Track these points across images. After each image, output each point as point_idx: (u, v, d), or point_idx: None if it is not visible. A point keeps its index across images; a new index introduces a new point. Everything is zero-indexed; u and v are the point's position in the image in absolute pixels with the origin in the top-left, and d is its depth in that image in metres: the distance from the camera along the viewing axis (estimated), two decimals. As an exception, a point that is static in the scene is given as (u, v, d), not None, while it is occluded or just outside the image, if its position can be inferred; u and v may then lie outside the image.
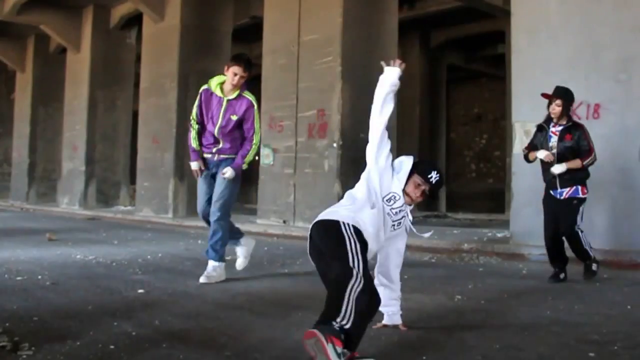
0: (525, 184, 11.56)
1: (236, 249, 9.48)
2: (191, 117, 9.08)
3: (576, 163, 8.98)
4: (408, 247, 6.01)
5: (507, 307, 7.10)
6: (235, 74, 8.64)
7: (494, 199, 28.02)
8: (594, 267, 9.15)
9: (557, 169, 8.96)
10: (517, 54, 12.54)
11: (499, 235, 13.89)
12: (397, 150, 17.66)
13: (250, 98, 8.92)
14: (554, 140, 9.09)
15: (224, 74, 8.84)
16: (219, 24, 22.45)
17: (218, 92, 8.82)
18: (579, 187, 9.05)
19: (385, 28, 17.35)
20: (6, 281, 8.32)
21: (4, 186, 36.14)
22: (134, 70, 27.22)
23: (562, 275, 9.06)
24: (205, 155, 9.00)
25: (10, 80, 36.46)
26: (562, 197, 9.08)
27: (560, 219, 9.12)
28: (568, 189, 9.05)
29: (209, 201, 8.92)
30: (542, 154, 9.09)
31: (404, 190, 5.51)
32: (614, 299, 7.57)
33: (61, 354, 4.82)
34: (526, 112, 11.48)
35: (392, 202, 5.47)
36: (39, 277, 8.67)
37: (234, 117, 8.76)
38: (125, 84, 27.24)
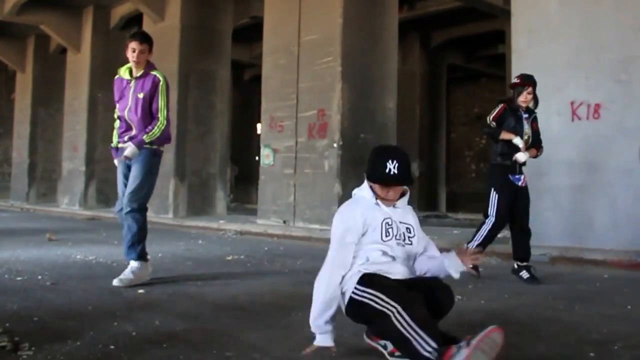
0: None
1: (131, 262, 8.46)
2: (115, 112, 8.84)
3: (532, 153, 9.15)
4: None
5: (507, 307, 7.10)
6: (134, 50, 8.30)
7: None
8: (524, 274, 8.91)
9: (523, 157, 8.99)
10: (517, 54, 12.55)
11: (498, 235, 13.88)
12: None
13: (157, 74, 8.51)
14: (527, 128, 9.12)
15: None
16: (219, 24, 22.46)
17: (126, 76, 8.53)
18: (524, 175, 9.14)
19: (386, 28, 17.37)
20: (6, 281, 8.31)
21: (4, 186, 36.23)
22: (134, 70, 27.23)
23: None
24: (121, 146, 8.60)
25: (10, 81, 36.55)
26: (519, 184, 9.11)
27: (520, 209, 9.17)
28: (523, 176, 9.12)
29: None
30: (519, 142, 9.00)
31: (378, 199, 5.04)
32: (614, 299, 7.57)
33: (61, 354, 4.81)
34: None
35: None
36: (39, 277, 8.65)
37: (141, 95, 8.38)
38: (125, 84, 27.21)
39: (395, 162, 4.83)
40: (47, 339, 5.19)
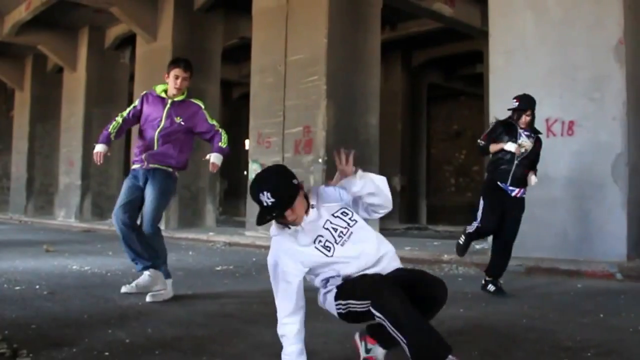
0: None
1: (145, 272, 8.25)
2: (120, 114, 8.46)
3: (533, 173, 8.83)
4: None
5: (484, 315, 7.10)
6: (177, 77, 8.09)
7: (473, 212, 28.11)
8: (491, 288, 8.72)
9: (534, 181, 8.74)
10: (494, 73, 12.58)
11: (477, 247, 13.86)
12: (380, 166, 17.74)
13: (198, 102, 8.35)
14: (524, 140, 8.77)
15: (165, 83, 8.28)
16: (209, 44, 22.48)
17: (163, 95, 8.22)
18: (524, 189, 8.83)
19: (369, 48, 17.41)
20: (5, 291, 8.29)
21: (3, 200, 36.11)
22: (128, 88, 27.24)
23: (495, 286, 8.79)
24: (135, 167, 8.32)
25: (9, 99, 36.51)
26: (513, 195, 8.79)
27: (507, 222, 8.88)
28: (519, 189, 8.79)
29: (124, 207, 8.12)
30: (511, 147, 8.67)
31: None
32: (587, 308, 7.58)
33: (58, 361, 4.80)
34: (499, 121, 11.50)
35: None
36: (37, 286, 8.63)
37: (179, 120, 8.12)
38: (119, 102, 27.13)
39: (266, 192, 4.37)
40: (45, 346, 5.21)
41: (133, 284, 8.24)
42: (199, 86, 21.57)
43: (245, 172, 23.68)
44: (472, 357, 5.13)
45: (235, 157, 36.43)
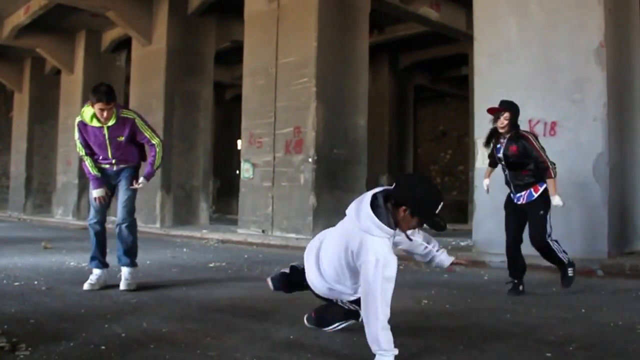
0: (487, 196, 11.57)
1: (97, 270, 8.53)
2: (78, 150, 8.55)
3: (552, 184, 8.26)
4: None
5: (470, 311, 7.09)
6: (102, 110, 7.90)
7: (458, 210, 28.06)
8: (570, 272, 8.48)
9: (557, 201, 8.24)
10: (479, 76, 12.58)
11: (462, 243, 13.89)
12: (369, 165, 17.73)
13: (129, 115, 8.24)
14: (502, 152, 8.47)
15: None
16: (202, 48, 22.45)
17: (95, 124, 8.15)
18: (532, 190, 8.35)
19: (357, 51, 17.42)
20: (5, 286, 8.25)
21: (3, 198, 36.06)
22: (123, 90, 27.16)
23: (521, 287, 8.53)
24: (104, 166, 8.42)
25: (8, 100, 36.50)
26: (518, 203, 8.44)
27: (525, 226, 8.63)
28: (523, 193, 8.38)
29: (98, 216, 8.45)
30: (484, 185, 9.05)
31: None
32: (569, 303, 7.56)
33: (56, 354, 4.81)
34: (487, 130, 11.46)
35: None
36: (35, 282, 8.61)
37: (121, 138, 8.16)
38: (114, 104, 27.14)
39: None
40: (43, 340, 5.20)
41: (94, 281, 8.35)
42: (193, 88, 21.62)
43: (237, 172, 23.64)
44: (458, 351, 5.13)
45: (228, 157, 36.47)
